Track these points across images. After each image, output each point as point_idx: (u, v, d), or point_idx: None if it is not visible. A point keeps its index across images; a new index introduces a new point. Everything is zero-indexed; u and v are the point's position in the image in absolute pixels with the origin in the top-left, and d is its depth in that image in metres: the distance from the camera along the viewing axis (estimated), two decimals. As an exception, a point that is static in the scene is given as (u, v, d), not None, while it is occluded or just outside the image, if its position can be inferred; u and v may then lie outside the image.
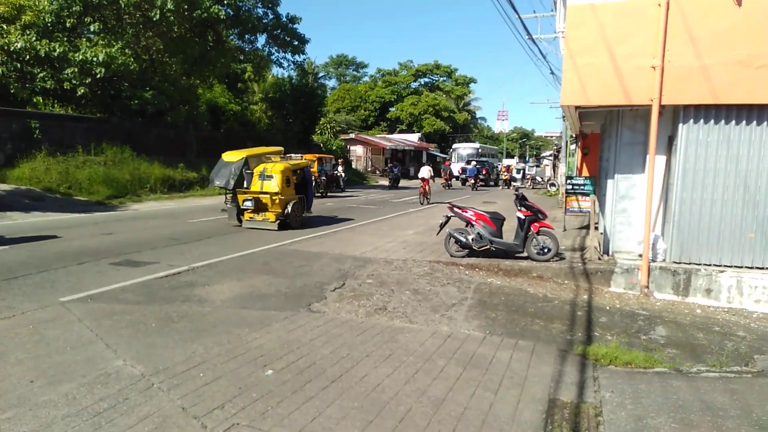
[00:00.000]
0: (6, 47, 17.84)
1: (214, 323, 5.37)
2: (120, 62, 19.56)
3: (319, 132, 40.05)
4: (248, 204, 12.06)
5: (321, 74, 66.38)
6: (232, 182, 12.21)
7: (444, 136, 66.98)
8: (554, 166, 35.35)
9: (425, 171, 22.70)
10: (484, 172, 36.09)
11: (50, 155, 17.84)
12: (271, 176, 12.00)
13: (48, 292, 6.25)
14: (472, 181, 32.98)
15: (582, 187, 12.15)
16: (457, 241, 9.26)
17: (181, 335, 4.94)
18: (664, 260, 8.18)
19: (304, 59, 30.72)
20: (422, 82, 71.59)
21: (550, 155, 42.05)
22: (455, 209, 9.46)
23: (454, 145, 52.35)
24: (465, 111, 71.84)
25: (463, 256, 9.22)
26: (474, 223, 9.18)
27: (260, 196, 11.97)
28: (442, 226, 9.71)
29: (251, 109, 34.29)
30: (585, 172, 16.11)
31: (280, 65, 28.50)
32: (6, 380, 3.81)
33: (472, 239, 9.12)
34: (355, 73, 76.10)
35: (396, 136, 56.09)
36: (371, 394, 3.88)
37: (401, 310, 6.28)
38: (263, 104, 34.37)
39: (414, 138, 56.35)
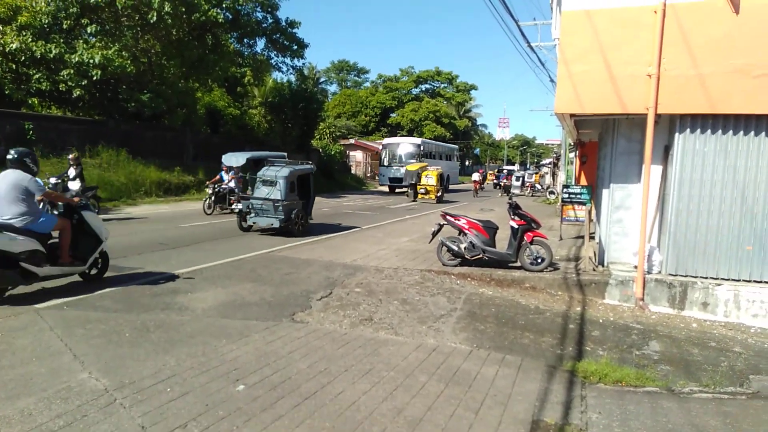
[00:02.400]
0: (1, 48, 17.75)
1: (191, 333, 5.19)
2: (117, 64, 19.44)
3: (318, 137, 39.96)
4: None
5: (322, 79, 66.54)
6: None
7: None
8: (554, 174, 35.20)
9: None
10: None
11: (44, 157, 17.67)
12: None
13: (23, 298, 6.06)
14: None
15: (578, 196, 11.96)
16: (450, 249, 9.09)
17: (155, 346, 4.76)
18: (659, 272, 8.00)
19: (304, 64, 30.75)
20: (423, 89, 71.65)
21: (550, 163, 41.93)
22: (448, 217, 9.29)
23: (385, 141, 35.55)
24: (466, 117, 71.80)
25: (456, 265, 9.04)
26: (467, 231, 9.01)
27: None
28: (434, 234, 9.54)
29: (250, 113, 34.20)
30: (583, 181, 15.95)
31: (279, 69, 28.47)
32: (-38, 394, 3.63)
33: (465, 248, 8.94)
34: (356, 78, 76.21)
35: (396, 141, 55.96)
36: (345, 412, 3.69)
37: (388, 321, 6.11)
38: (262, 108, 34.28)
39: (414, 144, 56.21)
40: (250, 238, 11.51)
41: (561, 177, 27.55)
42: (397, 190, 31.97)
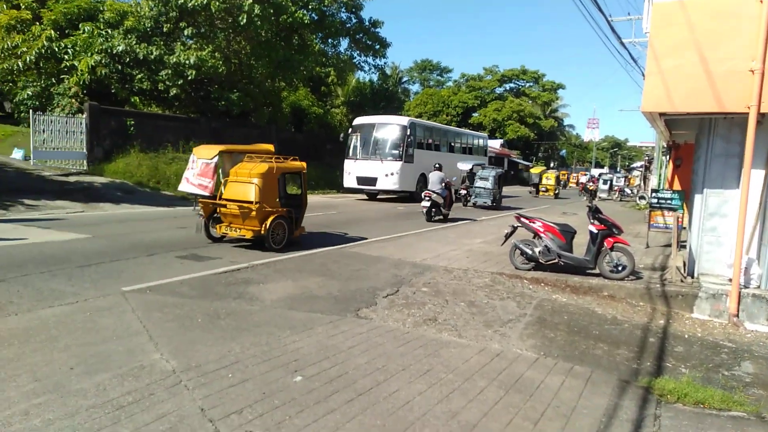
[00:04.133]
0: (110, 50, 19.32)
1: (258, 323, 5.36)
2: (210, 65, 20.58)
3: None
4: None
5: (405, 79, 66.79)
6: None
7: (528, 143, 65.04)
8: (645, 178, 33.14)
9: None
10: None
11: (142, 151, 19.06)
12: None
13: (113, 281, 6.55)
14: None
15: (669, 202, 11.18)
16: (523, 252, 8.77)
17: (223, 333, 4.96)
18: (758, 286, 7.27)
19: (386, 63, 31.01)
20: (507, 88, 69.97)
21: (641, 166, 39.51)
22: (522, 219, 8.97)
23: (357, 121, 23.15)
24: (551, 118, 69.32)
25: (529, 269, 8.71)
26: (542, 234, 8.65)
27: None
28: (507, 236, 9.24)
29: (333, 112, 35.01)
30: (676, 186, 14.90)
31: (362, 69, 28.95)
32: (49, 365, 3.96)
33: (539, 252, 8.59)
34: (439, 77, 75.75)
35: (477, 141, 55.06)
36: (397, 412, 3.65)
37: (452, 322, 5.99)
38: (344, 108, 34.98)
39: (496, 144, 55.08)
40: (324, 233, 11.74)
41: (652, 181, 25.88)
42: (379, 196, 22.69)
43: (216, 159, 9.78)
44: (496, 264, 9.32)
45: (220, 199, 9.35)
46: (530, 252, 8.67)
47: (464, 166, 22.47)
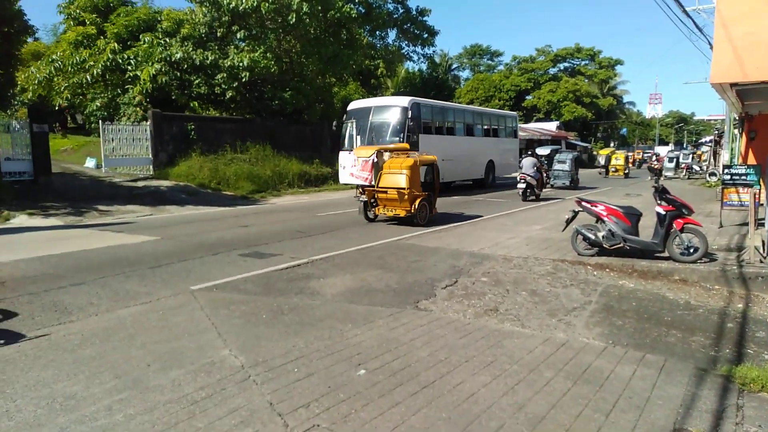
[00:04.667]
0: (168, 58, 20.12)
1: (320, 317, 5.46)
2: (262, 66, 21.07)
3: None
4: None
5: (454, 66, 65.99)
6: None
7: (586, 124, 62.70)
8: (715, 154, 31.23)
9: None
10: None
11: (203, 154, 19.79)
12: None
13: (182, 280, 6.85)
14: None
15: (744, 178, 10.52)
16: (586, 238, 8.48)
17: (287, 328, 5.08)
18: None
19: (435, 51, 30.78)
20: (561, 68, 67.63)
21: (710, 141, 37.26)
22: (584, 203, 8.67)
23: (352, 105, 19.58)
24: (610, 96, 66.52)
25: (592, 255, 8.43)
26: (605, 218, 8.33)
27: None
28: (568, 221, 8.96)
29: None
30: (751, 160, 13.99)
31: (410, 59, 28.87)
32: (129, 362, 4.19)
33: (603, 236, 8.28)
34: (489, 62, 74.24)
35: (531, 125, 53.70)
36: (462, 404, 3.62)
37: (514, 312, 5.88)
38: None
39: (552, 126, 53.48)
40: (377, 226, 11.80)
41: (724, 156, 24.38)
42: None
43: (373, 156, 12.72)
44: (558, 251, 9.07)
45: (378, 187, 12.01)
46: (593, 237, 8.37)
47: (543, 151, 26.15)
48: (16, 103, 21.79)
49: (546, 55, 66.61)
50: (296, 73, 24.70)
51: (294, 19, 20.90)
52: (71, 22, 24.28)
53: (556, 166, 22.71)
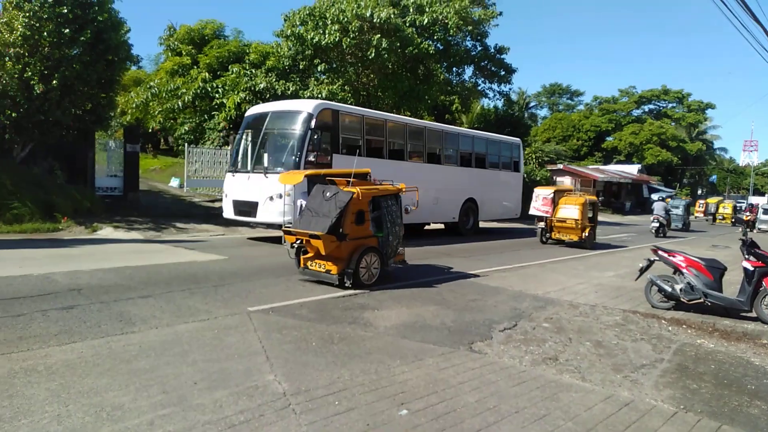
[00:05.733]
0: (253, 87, 21.23)
1: (369, 350, 5.36)
2: (339, 98, 21.72)
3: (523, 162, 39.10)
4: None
5: (532, 104, 65.25)
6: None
7: (671, 169, 59.65)
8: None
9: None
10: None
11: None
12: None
13: (241, 301, 7.00)
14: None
15: None
16: (661, 290, 7.91)
17: (335, 358, 5.02)
18: None
19: (511, 89, 30.46)
20: (646, 109, 65.26)
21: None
22: (660, 252, 8.13)
23: (249, 111, 15.07)
24: (699, 140, 63.09)
25: (668, 309, 7.83)
26: (684, 270, 7.75)
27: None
28: (642, 270, 8.41)
29: (457, 139, 35.05)
30: None
31: (486, 96, 28.74)
32: (177, 378, 4.27)
33: (681, 289, 7.69)
34: (569, 101, 72.88)
35: (611, 167, 51.76)
36: (507, 459, 3.38)
37: (575, 363, 5.51)
38: (469, 134, 34.88)
39: (633, 170, 51.28)
40: (437, 259, 11.62)
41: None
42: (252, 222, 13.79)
43: (552, 194, 15.93)
44: (629, 301, 8.51)
45: (555, 218, 15.74)
46: (669, 289, 7.80)
47: (656, 196, 30.81)
48: (115, 124, 23.71)
49: (630, 96, 64.59)
50: (372, 106, 25.25)
51: (373, 54, 21.50)
52: (169, 53, 26.34)
53: (672, 211, 25.39)
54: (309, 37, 21.57)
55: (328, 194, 8.07)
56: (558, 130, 59.26)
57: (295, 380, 4.38)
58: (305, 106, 13.26)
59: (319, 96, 21.18)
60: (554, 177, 41.61)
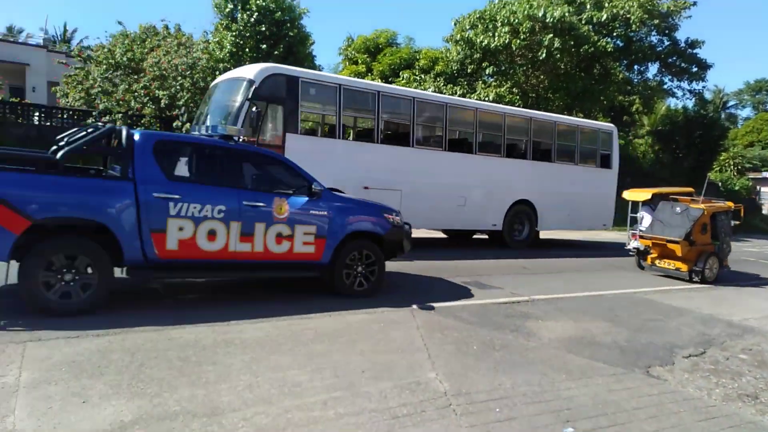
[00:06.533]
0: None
1: (532, 360, 5.19)
2: (506, 100, 21.34)
3: (717, 169, 34.48)
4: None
5: (731, 103, 57.45)
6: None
7: None
8: None
9: None
10: None
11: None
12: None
13: (408, 297, 7.19)
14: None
15: None
16: None
17: (496, 364, 4.95)
18: None
19: (704, 87, 27.05)
20: None
21: None
22: None
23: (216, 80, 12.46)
24: None
25: None
26: None
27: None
28: None
29: (635, 143, 32.19)
30: None
31: (673, 95, 26.00)
32: (347, 366, 4.57)
33: None
34: (779, 99, 62.46)
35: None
36: (690, 500, 3.02)
37: (780, 404, 4.73)
38: (650, 138, 31.80)
39: None
40: (612, 274, 10.77)
41: None
42: None
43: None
44: None
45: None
46: None
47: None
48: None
49: None
50: (541, 108, 24.35)
51: (544, 55, 20.74)
52: (347, 62, 28.24)
53: None
54: (478, 40, 21.53)
55: (678, 210, 10.37)
56: (764, 133, 51.04)
57: (455, 381, 4.42)
58: (246, 71, 10.62)
59: (486, 99, 21.01)
60: (758, 187, 36.17)
